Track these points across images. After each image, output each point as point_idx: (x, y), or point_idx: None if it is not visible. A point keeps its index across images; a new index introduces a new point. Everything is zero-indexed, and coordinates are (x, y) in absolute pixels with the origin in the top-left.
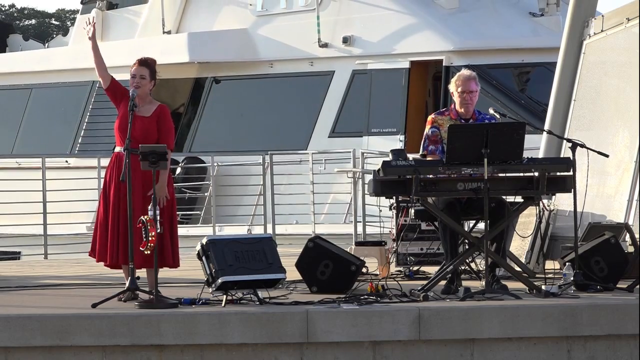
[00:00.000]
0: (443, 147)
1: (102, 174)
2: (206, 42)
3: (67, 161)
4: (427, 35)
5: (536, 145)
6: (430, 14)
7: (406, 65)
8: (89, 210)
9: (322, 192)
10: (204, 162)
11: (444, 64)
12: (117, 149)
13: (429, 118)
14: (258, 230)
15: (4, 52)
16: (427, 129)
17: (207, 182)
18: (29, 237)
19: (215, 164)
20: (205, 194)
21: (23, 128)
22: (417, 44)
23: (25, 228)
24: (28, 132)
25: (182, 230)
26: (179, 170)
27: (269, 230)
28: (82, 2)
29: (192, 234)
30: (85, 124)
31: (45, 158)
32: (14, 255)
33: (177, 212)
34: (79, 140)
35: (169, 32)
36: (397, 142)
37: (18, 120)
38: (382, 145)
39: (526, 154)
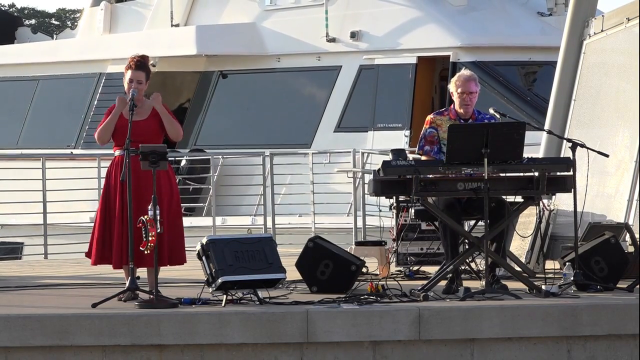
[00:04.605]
0: (439, 147)
1: (103, 172)
2: (214, 35)
3: (72, 152)
4: (435, 31)
5: (537, 142)
6: (438, 10)
7: (413, 60)
8: (93, 198)
9: (323, 192)
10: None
11: (451, 60)
12: (117, 152)
13: (428, 118)
14: (259, 222)
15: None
16: (425, 129)
17: (210, 175)
18: (32, 227)
19: (220, 157)
20: (209, 186)
21: (29, 119)
22: (424, 39)
23: (29, 219)
24: (34, 124)
25: (184, 221)
26: (183, 162)
27: (269, 223)
28: None
29: (195, 225)
30: (91, 115)
31: (50, 149)
32: (17, 247)
33: (182, 204)
34: (85, 132)
35: (177, 25)
36: (402, 137)
37: (24, 111)
38: (388, 141)
39: (527, 150)
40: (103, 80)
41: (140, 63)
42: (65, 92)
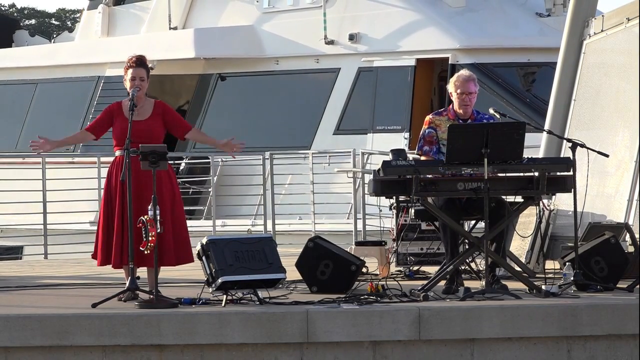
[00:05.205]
0: (439, 148)
1: (103, 172)
2: (212, 38)
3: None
4: (433, 33)
5: (537, 144)
6: (436, 12)
7: (412, 62)
8: (93, 199)
9: (323, 192)
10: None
11: (449, 62)
12: (117, 152)
13: (427, 118)
14: (259, 225)
15: (10, 47)
16: (424, 129)
17: (209, 177)
18: (34, 232)
19: (220, 159)
20: (209, 188)
21: (28, 123)
22: (423, 41)
23: (29, 221)
24: (33, 127)
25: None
26: (183, 165)
27: (269, 227)
28: None
29: (195, 228)
30: (90, 119)
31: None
32: (17, 252)
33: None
34: None
35: (175, 28)
36: (402, 139)
37: (23, 115)
38: (387, 143)
39: (527, 153)
40: (101, 84)
41: (140, 61)
42: (64, 95)
